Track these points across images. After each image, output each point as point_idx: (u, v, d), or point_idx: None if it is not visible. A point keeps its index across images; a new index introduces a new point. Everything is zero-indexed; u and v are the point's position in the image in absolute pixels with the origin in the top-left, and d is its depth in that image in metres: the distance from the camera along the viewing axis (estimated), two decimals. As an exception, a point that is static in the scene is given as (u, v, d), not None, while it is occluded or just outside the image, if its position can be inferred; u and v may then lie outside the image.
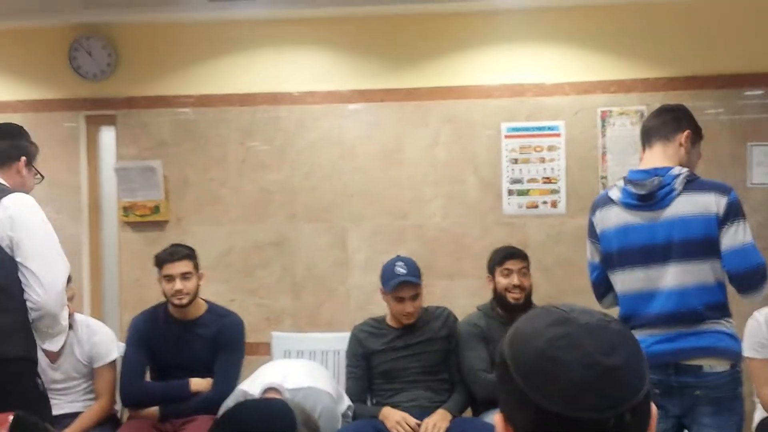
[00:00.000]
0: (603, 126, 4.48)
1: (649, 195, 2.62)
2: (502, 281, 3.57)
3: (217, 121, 4.67)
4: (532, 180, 4.51)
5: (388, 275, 3.67)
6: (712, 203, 2.57)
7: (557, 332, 1.03)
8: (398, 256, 3.83)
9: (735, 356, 2.64)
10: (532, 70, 4.53)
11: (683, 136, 2.69)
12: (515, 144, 4.50)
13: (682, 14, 4.41)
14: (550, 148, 4.50)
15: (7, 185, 2.81)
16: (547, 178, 4.50)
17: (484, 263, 3.89)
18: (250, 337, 4.04)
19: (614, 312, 3.02)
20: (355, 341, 3.77)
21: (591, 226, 2.85)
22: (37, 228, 2.71)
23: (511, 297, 3.53)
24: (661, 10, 4.41)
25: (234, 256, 4.66)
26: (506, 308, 3.57)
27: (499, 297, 3.61)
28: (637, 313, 2.68)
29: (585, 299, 4.48)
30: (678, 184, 2.59)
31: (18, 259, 2.65)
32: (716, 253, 2.59)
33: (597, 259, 2.86)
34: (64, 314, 2.72)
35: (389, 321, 3.77)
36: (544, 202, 4.51)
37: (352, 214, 4.63)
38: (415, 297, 3.64)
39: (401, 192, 4.58)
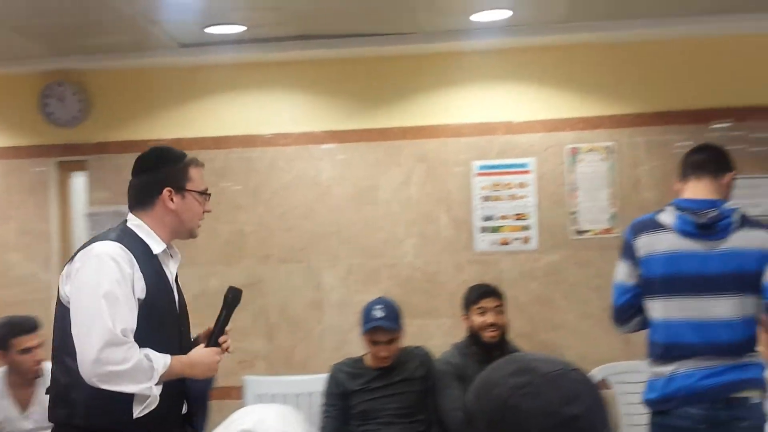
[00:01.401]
0: (572, 162, 4.54)
1: (709, 225, 2.67)
2: (477, 320, 3.58)
3: (189, 164, 4.67)
4: (504, 217, 4.55)
5: (365, 317, 3.67)
6: (767, 240, 2.68)
7: (519, 381, 1.04)
8: (380, 297, 3.81)
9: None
10: (502, 109, 4.60)
11: (730, 176, 2.80)
12: (486, 181, 4.55)
13: (647, 51, 4.51)
14: (521, 185, 4.55)
15: (148, 227, 2.41)
16: (519, 214, 4.55)
17: (458, 301, 3.90)
18: (222, 382, 4.00)
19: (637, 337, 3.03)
20: (333, 381, 3.75)
21: (629, 248, 2.79)
22: (84, 284, 2.28)
23: (487, 335, 3.55)
24: (627, 48, 4.50)
25: (208, 298, 4.62)
26: (482, 346, 3.57)
27: (474, 335, 3.62)
28: (683, 342, 2.69)
29: (561, 335, 4.54)
30: (736, 218, 2.69)
31: None
32: (759, 288, 2.67)
33: (632, 282, 2.80)
34: (137, 385, 2.24)
35: (367, 361, 3.76)
36: (516, 239, 4.55)
37: (326, 254, 4.64)
38: (391, 342, 3.62)
39: (375, 231, 4.60)
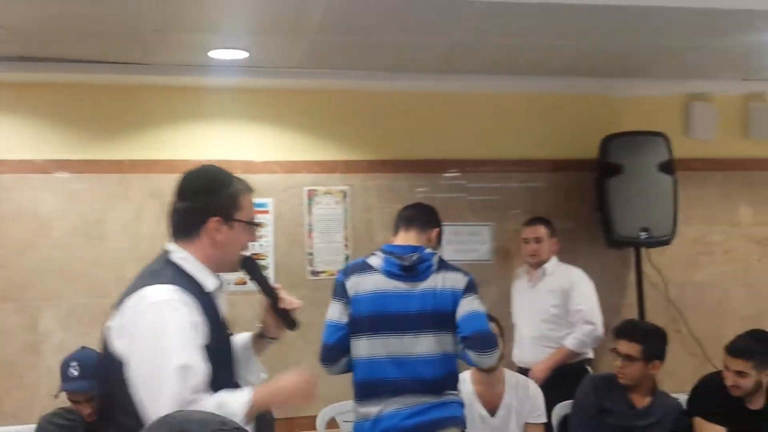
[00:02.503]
0: (309, 204, 4.62)
1: (411, 267, 2.87)
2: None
3: None
4: (241, 256, 4.50)
5: (62, 373, 3.26)
6: (460, 280, 2.88)
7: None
8: (80, 351, 3.35)
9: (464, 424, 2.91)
10: (241, 148, 4.58)
11: (437, 231, 3.07)
12: (223, 220, 4.48)
13: (381, 102, 4.74)
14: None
15: (195, 260, 2.05)
16: (256, 254, 4.52)
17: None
18: None
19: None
20: (41, 434, 3.42)
21: (341, 288, 2.94)
22: (146, 344, 1.92)
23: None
24: (362, 96, 4.71)
25: None
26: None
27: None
28: (387, 378, 2.80)
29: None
30: (435, 264, 2.89)
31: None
32: (455, 326, 2.85)
33: (344, 320, 2.92)
34: None
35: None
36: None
37: (47, 293, 4.29)
38: (90, 400, 3.19)
39: (102, 269, 4.33)
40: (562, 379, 3.95)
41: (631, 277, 4.81)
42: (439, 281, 2.90)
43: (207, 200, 2.08)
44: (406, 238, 3.03)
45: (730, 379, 3.24)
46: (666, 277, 4.89)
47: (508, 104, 4.89)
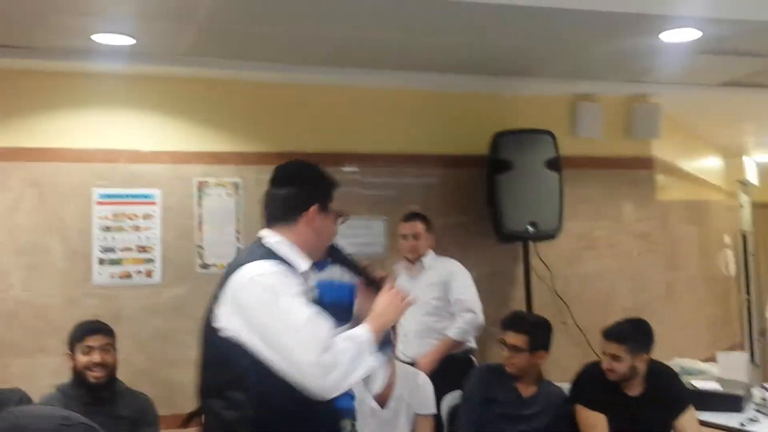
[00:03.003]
0: (200, 196, 4.51)
1: None
2: (82, 359, 3.31)
3: None
4: (126, 249, 4.35)
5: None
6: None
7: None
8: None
9: None
10: (127, 136, 4.42)
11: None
12: (108, 211, 4.32)
13: (274, 93, 4.67)
14: (146, 217, 4.40)
15: (290, 243, 2.17)
16: (142, 246, 4.38)
17: (69, 338, 3.60)
18: None
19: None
20: None
21: None
22: (259, 307, 2.03)
23: (92, 376, 3.30)
24: (258, 88, 4.63)
25: None
26: (87, 388, 3.32)
27: (78, 376, 3.35)
28: None
29: (184, 371, 4.39)
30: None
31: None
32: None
33: None
34: (363, 368, 2.06)
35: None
36: (139, 272, 4.37)
37: None
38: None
39: (-25, 262, 4.10)
40: (448, 369, 4.01)
41: (520, 270, 4.93)
42: (337, 275, 2.91)
43: (311, 189, 2.24)
44: None
45: (605, 363, 3.37)
46: (552, 271, 5.03)
47: (402, 100, 4.92)
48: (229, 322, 2.05)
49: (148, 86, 4.44)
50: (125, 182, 4.39)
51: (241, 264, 2.10)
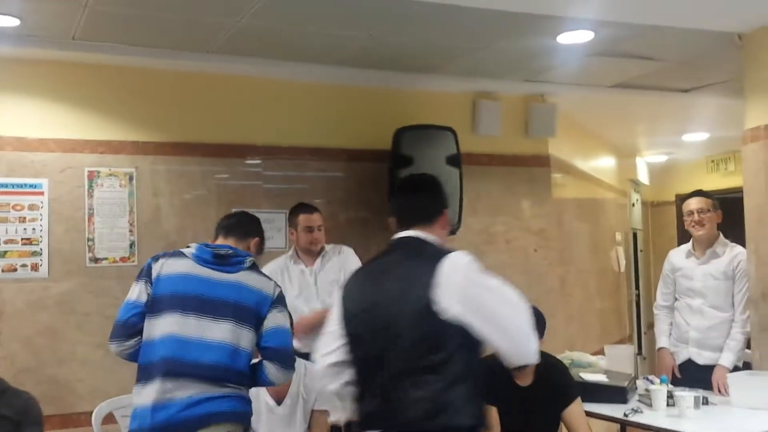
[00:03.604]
0: (90, 187, 4.33)
1: (224, 257, 2.91)
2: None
3: None
4: (11, 241, 4.13)
5: None
6: (270, 287, 2.91)
7: None
8: None
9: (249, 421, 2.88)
10: (13, 123, 4.20)
11: (255, 241, 3.13)
12: (-9, 201, 4.10)
13: (173, 82, 4.54)
14: (32, 207, 4.19)
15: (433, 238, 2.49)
16: (28, 239, 4.17)
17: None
18: None
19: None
20: None
21: (147, 270, 2.91)
22: (483, 289, 2.34)
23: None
24: (153, 76, 4.48)
25: None
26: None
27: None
28: (171, 357, 2.71)
29: (71, 368, 4.24)
30: (248, 262, 2.94)
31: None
32: (254, 324, 2.84)
33: (143, 300, 2.85)
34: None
35: None
36: (24, 265, 4.16)
37: None
38: None
39: None
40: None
41: (420, 265, 4.95)
42: (248, 278, 2.90)
43: (443, 195, 2.64)
44: (224, 241, 3.06)
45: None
46: (452, 266, 5.08)
47: (303, 92, 4.86)
48: (450, 305, 2.26)
49: (35, 70, 4.22)
50: (10, 171, 4.16)
51: (441, 255, 2.34)
